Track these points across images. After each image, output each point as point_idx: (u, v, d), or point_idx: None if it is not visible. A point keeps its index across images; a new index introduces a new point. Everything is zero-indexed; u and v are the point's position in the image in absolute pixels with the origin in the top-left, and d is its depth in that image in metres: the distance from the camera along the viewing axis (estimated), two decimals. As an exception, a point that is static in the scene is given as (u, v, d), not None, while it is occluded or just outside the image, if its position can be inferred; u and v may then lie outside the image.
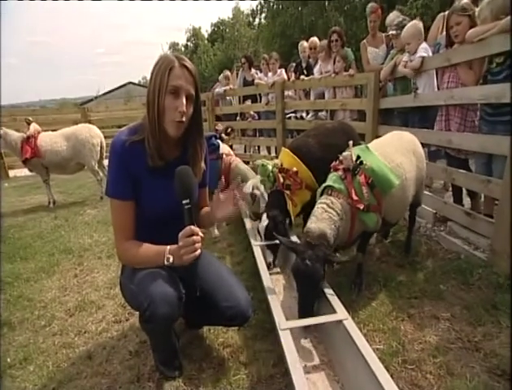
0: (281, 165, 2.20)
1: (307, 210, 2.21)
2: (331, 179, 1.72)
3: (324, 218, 1.60)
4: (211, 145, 2.61)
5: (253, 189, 2.41)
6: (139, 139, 1.19)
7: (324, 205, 1.64)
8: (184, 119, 1.16)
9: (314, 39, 4.38)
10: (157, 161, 1.20)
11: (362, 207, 1.61)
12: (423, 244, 2.34)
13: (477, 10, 2.28)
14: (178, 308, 1.19)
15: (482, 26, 2.07)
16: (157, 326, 1.19)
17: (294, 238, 2.07)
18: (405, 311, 1.69)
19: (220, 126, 3.00)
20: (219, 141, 2.70)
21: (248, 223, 2.57)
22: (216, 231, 2.83)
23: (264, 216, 2.09)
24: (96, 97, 18.03)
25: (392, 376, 1.15)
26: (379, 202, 1.68)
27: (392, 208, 1.79)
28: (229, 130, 2.97)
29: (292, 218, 2.18)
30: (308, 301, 1.50)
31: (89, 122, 5.28)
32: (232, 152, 2.82)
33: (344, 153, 1.73)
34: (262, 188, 2.41)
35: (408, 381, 1.30)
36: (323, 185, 1.75)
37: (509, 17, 1.83)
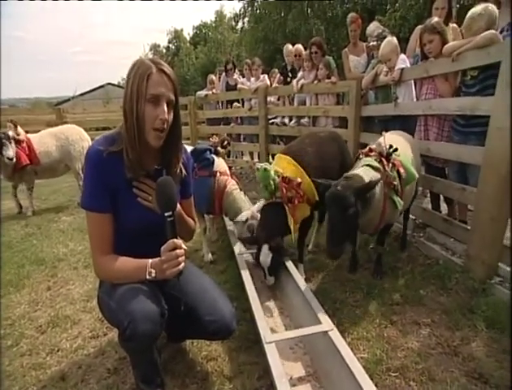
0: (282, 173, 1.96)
1: (304, 227, 2.11)
2: (367, 161, 1.81)
3: (362, 170, 1.74)
4: (204, 159, 2.33)
5: (247, 220, 2.15)
6: (117, 149, 1.13)
7: (365, 167, 1.77)
8: (165, 126, 1.12)
9: (299, 47, 4.42)
10: (137, 172, 1.15)
11: (395, 184, 1.75)
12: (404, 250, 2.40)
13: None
14: (160, 325, 1.14)
15: (458, 41, 2.18)
16: (138, 344, 1.13)
17: (289, 264, 1.95)
18: (387, 318, 1.72)
19: (216, 138, 2.67)
20: (214, 156, 2.38)
21: (230, 231, 2.54)
22: (210, 256, 2.47)
23: (265, 248, 1.84)
24: (73, 98, 17.27)
25: (376, 385, 1.17)
26: (402, 191, 1.84)
27: (403, 199, 1.93)
28: (225, 143, 2.66)
29: (293, 236, 1.97)
30: (338, 231, 1.58)
31: (66, 124, 5.05)
32: (228, 171, 2.45)
33: (378, 140, 1.89)
34: (258, 216, 2.12)
35: (392, 389, 1.32)
36: (361, 164, 1.82)
37: (484, 34, 1.93)
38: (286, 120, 4.60)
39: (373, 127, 3.33)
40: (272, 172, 1.93)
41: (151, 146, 1.14)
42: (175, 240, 1.09)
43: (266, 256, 1.84)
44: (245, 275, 1.85)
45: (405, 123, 2.82)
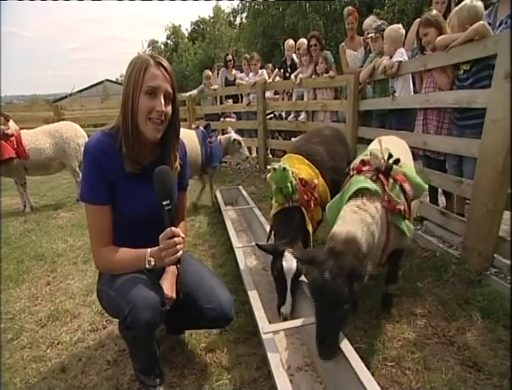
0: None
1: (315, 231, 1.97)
2: (361, 181, 1.40)
3: (354, 219, 1.29)
4: (212, 131, 3.46)
5: (234, 140, 3.48)
6: (114, 142, 1.14)
7: (354, 207, 1.33)
8: (162, 119, 1.13)
9: (303, 40, 4.41)
10: (134, 166, 1.16)
11: (402, 209, 1.35)
12: (401, 243, 2.42)
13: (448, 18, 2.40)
14: (160, 313, 1.15)
15: (449, 34, 2.21)
16: (139, 332, 1.14)
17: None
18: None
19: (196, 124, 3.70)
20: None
21: (229, 225, 2.55)
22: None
23: (288, 254, 1.62)
24: (71, 95, 17.15)
25: (373, 374, 1.17)
26: (409, 209, 1.44)
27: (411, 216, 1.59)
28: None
29: (311, 241, 1.82)
30: (329, 329, 1.20)
31: (63, 121, 5.02)
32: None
33: (374, 151, 1.46)
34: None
35: (388, 378, 1.33)
36: (351, 192, 1.40)
37: (474, 26, 1.93)
38: (283, 114, 4.62)
39: (371, 121, 3.34)
40: (291, 173, 1.73)
41: (148, 139, 1.15)
42: (173, 228, 1.10)
43: (291, 261, 1.59)
44: (243, 267, 1.86)
45: (403, 118, 2.82)
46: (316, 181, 1.83)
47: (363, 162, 1.51)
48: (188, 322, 1.41)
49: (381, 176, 1.41)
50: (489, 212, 1.84)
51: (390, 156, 1.44)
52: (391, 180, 1.42)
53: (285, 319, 1.58)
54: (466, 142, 2.09)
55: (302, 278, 1.74)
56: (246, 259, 2.00)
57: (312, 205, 1.79)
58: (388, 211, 1.36)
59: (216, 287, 1.34)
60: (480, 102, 1.92)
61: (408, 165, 1.57)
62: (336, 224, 1.32)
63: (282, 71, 4.76)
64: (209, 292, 1.30)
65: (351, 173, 1.54)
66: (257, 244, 1.77)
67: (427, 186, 1.50)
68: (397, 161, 1.43)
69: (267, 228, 2.30)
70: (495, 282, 1.80)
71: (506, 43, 1.70)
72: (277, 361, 1.21)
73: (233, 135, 3.57)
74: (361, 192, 1.38)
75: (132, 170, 1.16)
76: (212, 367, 1.43)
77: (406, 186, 1.41)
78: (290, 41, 4.65)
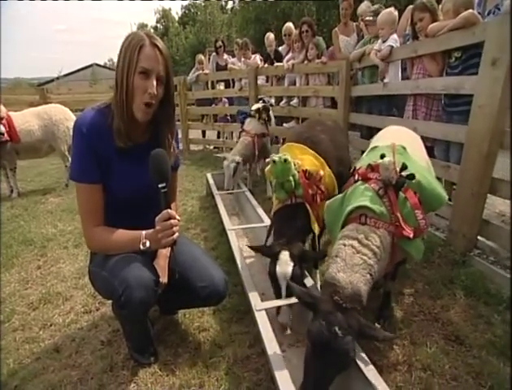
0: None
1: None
2: (365, 196, 1.20)
3: (356, 264, 1.10)
4: (238, 119, 3.59)
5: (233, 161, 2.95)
6: (106, 119, 1.12)
7: (355, 243, 1.14)
8: (153, 101, 1.11)
9: (289, 25, 4.33)
10: (125, 141, 1.14)
11: (411, 236, 1.16)
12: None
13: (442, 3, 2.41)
14: (154, 292, 1.17)
15: (441, 22, 2.22)
16: (132, 312, 1.16)
17: (310, 282, 1.59)
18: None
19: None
20: (247, 118, 3.41)
21: (221, 207, 2.56)
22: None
23: (285, 255, 1.42)
24: (57, 78, 16.51)
25: (362, 349, 1.22)
26: (420, 228, 1.24)
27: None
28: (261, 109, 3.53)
29: (317, 242, 1.70)
30: (324, 381, 1.02)
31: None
32: (252, 131, 3.30)
33: (385, 160, 1.20)
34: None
35: (376, 353, 1.39)
36: (352, 206, 1.21)
37: (463, 14, 1.95)
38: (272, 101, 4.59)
39: (362, 107, 3.35)
40: (293, 165, 1.52)
41: (138, 120, 1.14)
42: (169, 210, 1.10)
43: (286, 265, 1.39)
44: (235, 247, 1.88)
45: (391, 103, 2.85)
46: (322, 172, 1.63)
47: (371, 168, 1.27)
48: (182, 301, 1.43)
49: (390, 192, 1.19)
50: (474, 195, 1.89)
51: (404, 167, 1.18)
52: (401, 196, 1.19)
53: (285, 328, 1.44)
54: (455, 128, 2.13)
55: (309, 280, 1.60)
56: (239, 241, 2.02)
57: (318, 199, 1.59)
58: (395, 235, 1.18)
59: (209, 266, 1.35)
60: (468, 89, 1.95)
61: (426, 169, 1.35)
62: (335, 265, 1.13)
63: (269, 62, 4.67)
64: (202, 271, 1.32)
65: (356, 177, 1.33)
66: (249, 246, 1.62)
67: (446, 197, 1.30)
68: (412, 176, 1.17)
69: (259, 211, 2.34)
70: (478, 262, 1.87)
71: (494, 30, 1.72)
72: (270, 337, 1.25)
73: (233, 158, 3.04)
74: (364, 213, 1.18)
75: (122, 145, 1.14)
76: (206, 345, 1.46)
77: (419, 214, 1.19)
78: (271, 36, 4.56)
